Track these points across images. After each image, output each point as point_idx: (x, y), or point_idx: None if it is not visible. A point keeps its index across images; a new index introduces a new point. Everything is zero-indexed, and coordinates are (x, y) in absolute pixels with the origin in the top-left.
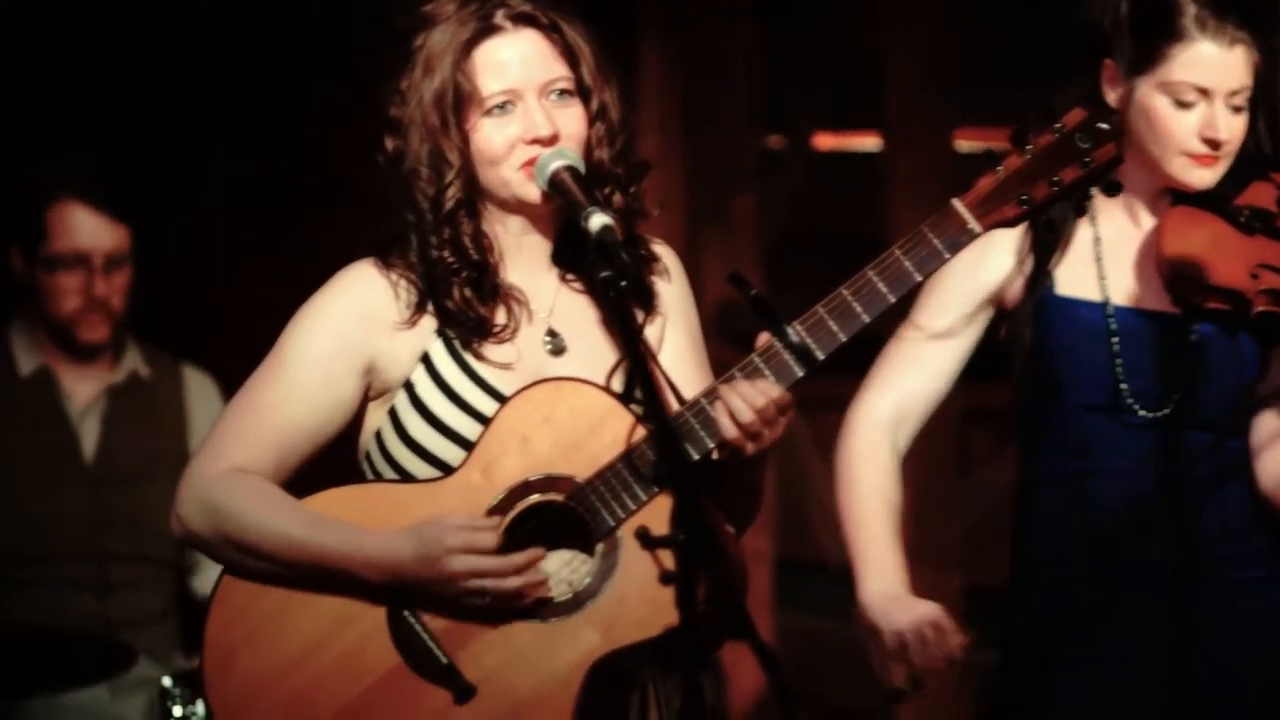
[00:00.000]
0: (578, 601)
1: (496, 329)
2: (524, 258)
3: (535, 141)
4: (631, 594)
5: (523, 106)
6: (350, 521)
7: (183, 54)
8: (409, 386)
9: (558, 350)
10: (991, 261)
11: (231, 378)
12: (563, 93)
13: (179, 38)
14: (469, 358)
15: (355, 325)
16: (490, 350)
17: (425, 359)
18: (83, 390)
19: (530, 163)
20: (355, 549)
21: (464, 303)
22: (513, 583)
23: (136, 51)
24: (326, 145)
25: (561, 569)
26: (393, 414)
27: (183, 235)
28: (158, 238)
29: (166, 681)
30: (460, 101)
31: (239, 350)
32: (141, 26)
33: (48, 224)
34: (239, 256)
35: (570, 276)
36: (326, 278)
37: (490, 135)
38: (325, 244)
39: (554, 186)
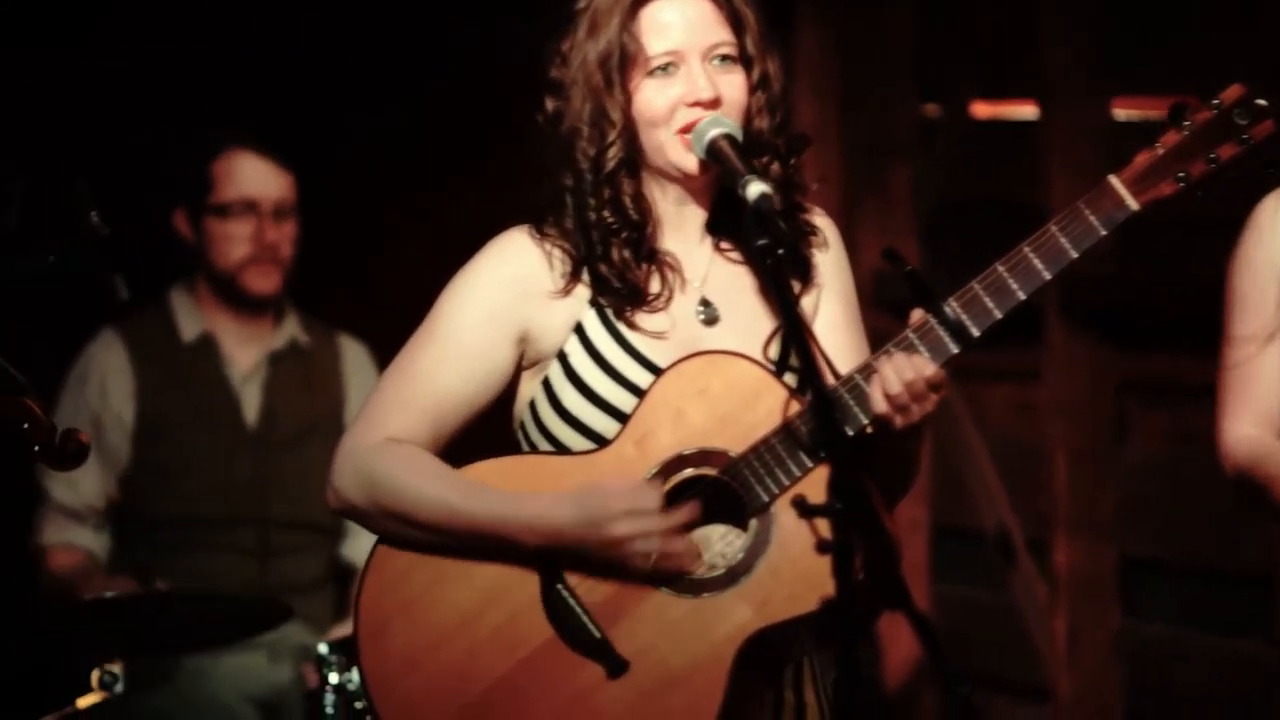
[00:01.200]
0: (731, 577)
1: (650, 297)
2: (679, 226)
3: (696, 104)
4: (785, 569)
5: (686, 69)
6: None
7: (336, 11)
8: (562, 357)
9: (711, 320)
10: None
11: (385, 347)
12: (725, 58)
13: None
14: (622, 327)
15: (508, 294)
16: (643, 319)
17: (579, 329)
18: (244, 356)
19: (689, 127)
20: (514, 513)
21: (621, 265)
22: (677, 544)
23: (290, 10)
24: (482, 108)
25: (715, 544)
26: (546, 385)
27: (337, 202)
28: (314, 203)
29: (323, 648)
30: (625, 61)
31: (392, 319)
32: None
33: (214, 174)
34: (392, 224)
35: (725, 246)
36: (480, 245)
37: (652, 96)
38: (479, 211)
39: (711, 154)
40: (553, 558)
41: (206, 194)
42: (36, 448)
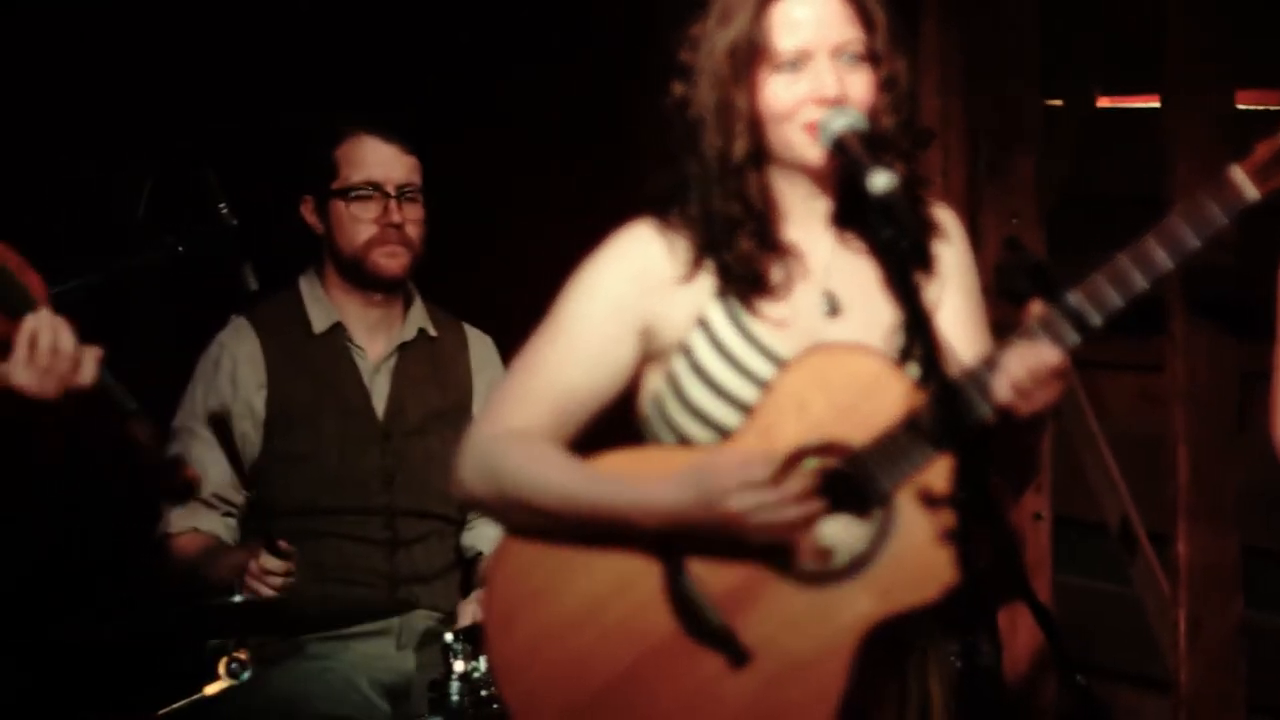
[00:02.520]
0: (853, 567)
1: (773, 286)
2: (803, 217)
3: (822, 102)
4: (907, 558)
5: (813, 66)
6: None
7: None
8: (686, 350)
9: (833, 312)
10: None
11: (510, 340)
12: (854, 56)
13: None
14: (745, 319)
15: (632, 286)
16: (766, 309)
17: (702, 322)
18: (374, 346)
19: (814, 126)
20: (635, 498)
21: (745, 256)
22: (792, 511)
23: None
24: (612, 94)
25: (837, 534)
26: (671, 378)
27: (463, 192)
28: (441, 193)
29: (449, 637)
30: (753, 54)
31: (516, 312)
32: None
33: (338, 160)
34: (519, 214)
35: (848, 238)
36: (607, 235)
37: (778, 92)
38: (607, 200)
39: (837, 146)
40: (674, 543)
41: (331, 179)
42: (144, 474)
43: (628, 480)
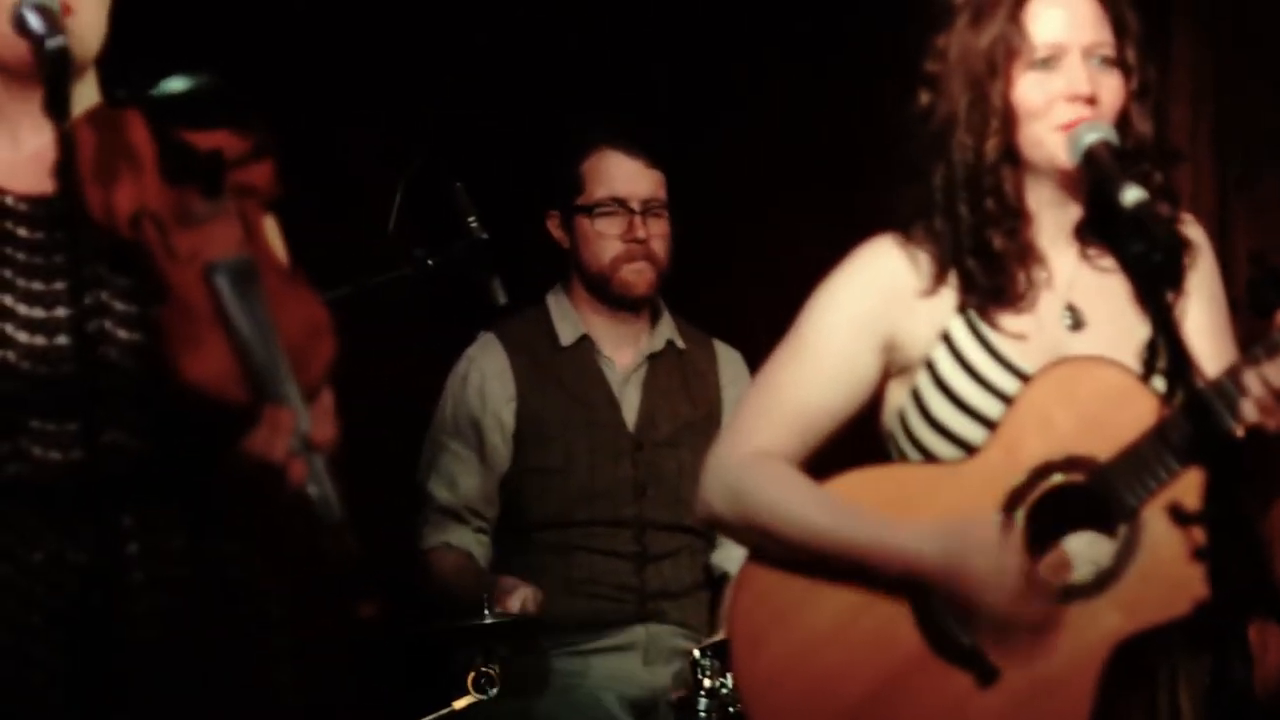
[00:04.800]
0: (1100, 583)
1: (1016, 297)
2: (1049, 226)
3: (1076, 99)
4: (1155, 573)
5: (1067, 63)
6: (875, 505)
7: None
8: (930, 365)
9: (1076, 325)
10: None
11: (758, 353)
12: (1105, 60)
13: None
14: (988, 332)
15: (875, 301)
16: (1009, 322)
17: (946, 337)
18: (622, 358)
19: (1068, 126)
20: (879, 543)
21: (995, 258)
22: (1029, 617)
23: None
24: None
25: (1084, 550)
26: (915, 393)
27: (709, 205)
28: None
29: (696, 652)
30: (1009, 52)
31: (765, 325)
32: None
33: (584, 175)
34: (765, 227)
35: (1092, 252)
36: (847, 251)
37: (1031, 89)
38: (852, 214)
39: (1088, 159)
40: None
41: (576, 195)
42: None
43: (874, 520)
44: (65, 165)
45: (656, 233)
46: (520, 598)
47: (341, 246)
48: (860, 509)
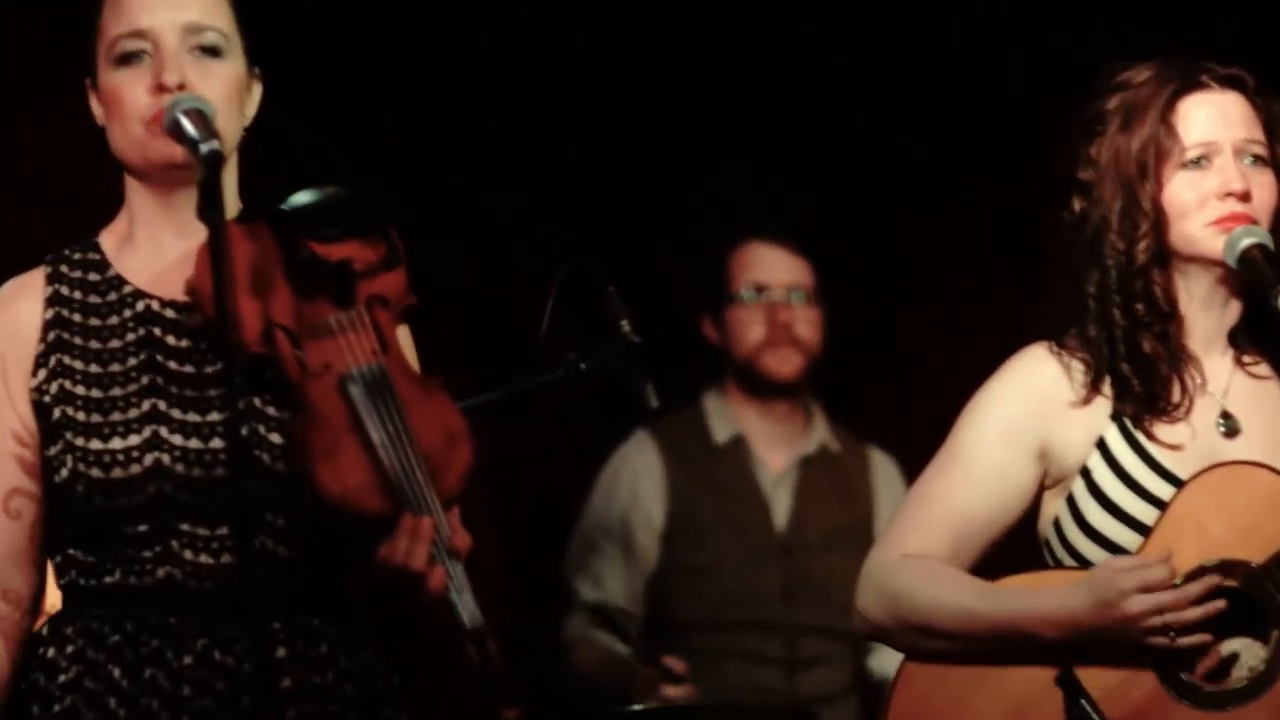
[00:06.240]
0: (1255, 688)
1: (1171, 405)
2: (1201, 329)
3: (1229, 195)
4: None
5: (1219, 162)
6: None
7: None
8: (1085, 473)
9: (1231, 432)
10: None
11: (912, 459)
12: (1256, 159)
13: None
14: (1143, 440)
15: (1029, 410)
16: (1163, 431)
17: (1100, 444)
18: (775, 459)
19: (1221, 220)
20: (1030, 607)
21: (1147, 362)
22: (1192, 613)
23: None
24: (1018, 213)
25: (1237, 654)
26: (1070, 501)
27: (866, 309)
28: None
29: None
30: (1160, 154)
31: (921, 428)
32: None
33: (728, 269)
34: (919, 334)
35: (1248, 359)
36: (1000, 362)
37: (1184, 189)
38: (1008, 324)
39: (1244, 263)
40: (1073, 656)
41: (723, 288)
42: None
43: (1023, 590)
44: (218, 271)
45: (801, 318)
46: (667, 688)
47: (494, 351)
48: (1007, 588)
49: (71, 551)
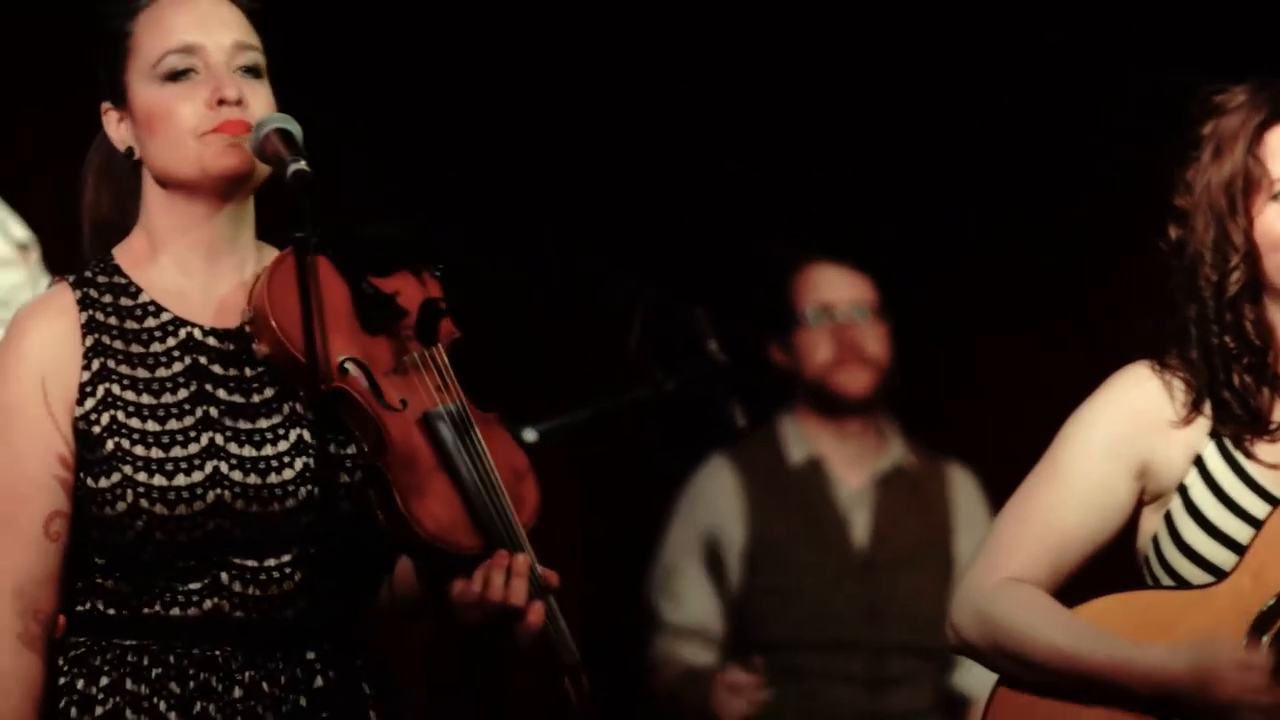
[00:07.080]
0: None
1: (1271, 426)
2: None
3: None
4: None
5: None
6: (1124, 628)
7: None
8: (1183, 491)
9: None
10: None
11: (993, 473)
12: None
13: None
14: (1241, 459)
15: (1128, 427)
16: (1262, 450)
17: (1198, 462)
18: (852, 478)
19: None
20: (1127, 664)
21: (1242, 391)
22: None
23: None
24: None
25: None
26: (1168, 519)
27: (946, 328)
28: (932, 326)
29: None
30: (1249, 185)
31: (999, 445)
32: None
33: (793, 293)
34: (1004, 349)
35: None
36: (1098, 380)
37: (1275, 220)
38: (1100, 341)
39: None
40: (1166, 712)
41: (788, 311)
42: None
43: (1123, 643)
44: (305, 298)
45: (868, 335)
46: (738, 697)
47: (581, 371)
48: (1106, 633)
49: (100, 580)
